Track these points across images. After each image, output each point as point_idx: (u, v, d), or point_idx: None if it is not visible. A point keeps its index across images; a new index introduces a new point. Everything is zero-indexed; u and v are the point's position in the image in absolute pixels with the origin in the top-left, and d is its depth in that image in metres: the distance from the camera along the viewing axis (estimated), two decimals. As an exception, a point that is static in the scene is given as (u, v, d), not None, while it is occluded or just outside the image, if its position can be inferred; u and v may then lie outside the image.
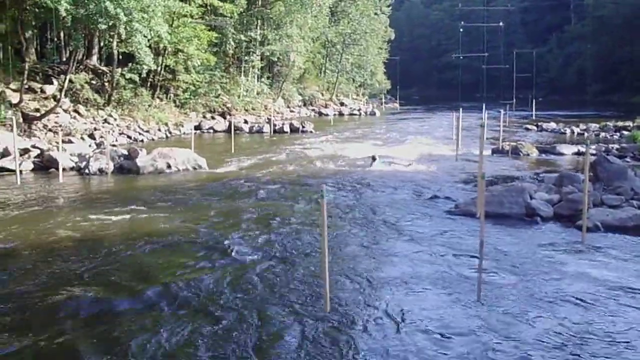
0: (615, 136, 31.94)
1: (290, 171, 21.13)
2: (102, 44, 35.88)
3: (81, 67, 33.98)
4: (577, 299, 8.40)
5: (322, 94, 65.26)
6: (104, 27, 27.68)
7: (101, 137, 27.22)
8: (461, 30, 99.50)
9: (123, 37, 29.61)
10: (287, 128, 37.81)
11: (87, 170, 20.13)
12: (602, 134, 33.03)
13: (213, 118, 40.78)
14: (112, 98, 33.30)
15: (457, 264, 10.09)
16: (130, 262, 10.30)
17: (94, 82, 33.92)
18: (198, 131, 35.19)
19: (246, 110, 45.69)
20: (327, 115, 54.34)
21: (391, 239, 11.84)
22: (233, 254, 10.70)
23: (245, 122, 40.93)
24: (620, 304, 8.25)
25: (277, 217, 13.71)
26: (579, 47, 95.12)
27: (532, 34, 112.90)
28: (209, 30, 39.77)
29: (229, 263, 10.23)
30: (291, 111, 53.77)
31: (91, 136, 27.85)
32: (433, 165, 22.43)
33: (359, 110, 63.10)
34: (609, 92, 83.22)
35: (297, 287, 9.06)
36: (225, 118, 40.61)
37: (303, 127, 37.79)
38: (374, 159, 22.75)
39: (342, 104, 66.13)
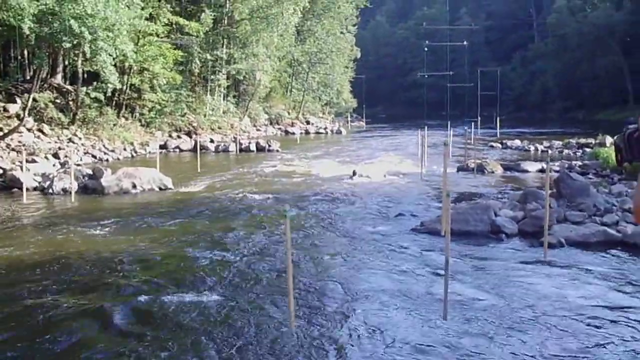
0: (578, 153, 32.37)
1: (256, 190, 21.06)
2: (66, 62, 35.71)
3: (45, 85, 33.76)
4: (540, 317, 8.47)
5: (289, 113, 65.30)
6: (68, 45, 27.52)
7: (65, 156, 26.94)
8: (426, 49, 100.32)
9: (88, 55, 29.44)
10: (253, 147, 37.75)
11: (50, 190, 19.94)
12: (566, 151, 33.45)
13: (179, 137, 40.64)
14: (77, 117, 33.07)
15: (423, 282, 10.14)
16: (91, 282, 10.20)
17: (58, 100, 33.69)
18: (164, 150, 34.97)
19: (212, 129, 45.58)
20: (293, 133, 54.38)
21: (356, 257, 11.86)
22: (197, 273, 10.66)
23: (212, 141, 40.78)
24: (580, 322, 8.33)
25: (243, 235, 13.70)
26: (543, 65, 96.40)
27: (496, 53, 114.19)
28: (175, 49, 39.75)
29: (191, 282, 10.18)
30: (257, 130, 53.75)
31: (55, 155, 27.56)
32: (399, 183, 22.54)
33: (325, 128, 63.22)
34: (572, 109, 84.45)
35: (263, 305, 9.05)
36: (191, 137, 40.42)
37: (269, 145, 37.77)
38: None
39: (308, 122, 66.20)
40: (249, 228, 14.55)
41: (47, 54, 31.00)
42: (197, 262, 11.29)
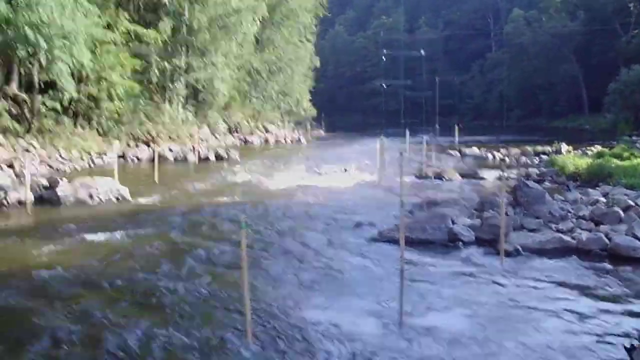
0: (535, 161, 32.80)
1: (213, 201, 20.94)
2: (21, 70, 35.16)
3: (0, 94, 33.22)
4: (497, 325, 8.54)
5: (248, 122, 65.01)
6: (23, 54, 27.14)
7: (21, 167, 26.52)
8: (384, 58, 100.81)
9: (44, 64, 29.07)
10: (212, 156, 37.63)
11: (5, 202, 19.56)
12: (523, 159, 33.87)
13: (137, 146, 40.19)
14: (33, 126, 32.58)
15: (381, 291, 10.19)
16: (37, 301, 10.04)
17: (13, 110, 33.14)
18: (122, 160, 34.64)
19: (171, 139, 45.12)
20: (252, 142, 54.29)
21: (314, 268, 11.87)
22: (153, 287, 10.54)
23: (170, 150, 40.43)
24: (538, 329, 8.41)
25: (198, 247, 13.61)
26: (500, 74, 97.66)
27: (455, 62, 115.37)
28: (133, 57, 39.43)
29: (147, 298, 10.07)
30: (216, 139, 53.39)
31: (10, 166, 27.08)
32: (358, 192, 22.62)
33: (284, 137, 63.13)
34: (529, 116, 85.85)
35: (220, 319, 9.01)
36: (149, 146, 39.96)
37: (228, 155, 37.65)
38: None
39: (267, 131, 66.04)
40: (202, 241, 14.43)
41: (1, 62, 30.54)
42: (151, 279, 11.13)
